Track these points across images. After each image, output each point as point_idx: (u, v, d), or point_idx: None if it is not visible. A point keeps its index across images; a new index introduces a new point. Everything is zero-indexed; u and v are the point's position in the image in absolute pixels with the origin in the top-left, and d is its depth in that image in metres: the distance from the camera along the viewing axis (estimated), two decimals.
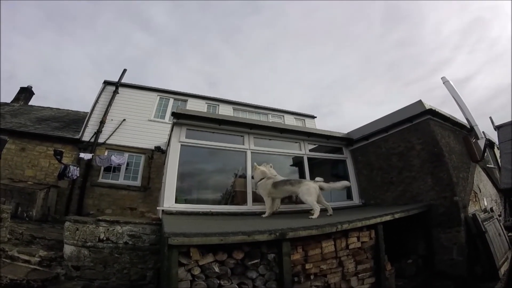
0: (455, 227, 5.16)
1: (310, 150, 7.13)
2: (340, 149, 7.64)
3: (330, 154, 7.59)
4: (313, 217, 4.64)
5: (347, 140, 7.53)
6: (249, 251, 3.22)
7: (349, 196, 7.14)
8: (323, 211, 5.10)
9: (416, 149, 6.06)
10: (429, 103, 6.05)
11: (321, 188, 5.22)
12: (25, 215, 7.89)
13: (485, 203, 6.59)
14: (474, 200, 5.97)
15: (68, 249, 4.84)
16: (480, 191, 6.53)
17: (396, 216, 4.72)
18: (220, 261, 3.09)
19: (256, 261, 3.24)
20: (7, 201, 7.87)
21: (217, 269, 3.04)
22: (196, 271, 2.96)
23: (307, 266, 3.56)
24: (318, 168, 7.25)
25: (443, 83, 7.20)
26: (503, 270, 5.17)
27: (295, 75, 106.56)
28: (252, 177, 5.58)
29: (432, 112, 5.98)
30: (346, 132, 7.69)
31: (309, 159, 6.91)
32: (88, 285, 4.62)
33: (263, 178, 5.30)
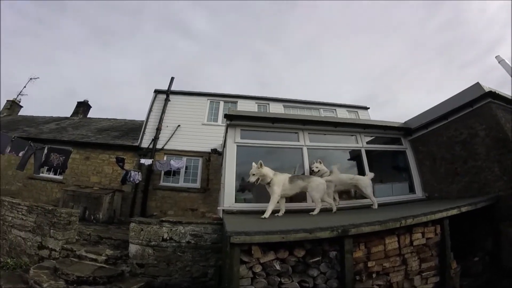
0: None
1: (367, 143, 6.84)
2: (399, 139, 7.21)
3: (389, 146, 7.19)
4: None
5: (405, 130, 7.10)
6: (310, 248, 3.17)
7: (412, 190, 6.73)
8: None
9: (480, 135, 5.57)
10: (488, 86, 5.54)
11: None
12: (92, 217, 8.52)
13: None
14: None
15: (133, 248, 5.14)
16: None
17: (463, 209, 4.38)
18: (281, 259, 3.08)
19: (317, 258, 3.19)
20: (75, 206, 8.55)
21: (278, 267, 3.03)
22: (257, 269, 2.97)
23: (369, 264, 3.42)
24: (377, 161, 6.92)
25: (498, 62, 6.63)
26: None
27: (343, 67, 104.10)
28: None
29: (493, 95, 5.45)
30: (403, 121, 7.25)
31: (366, 152, 6.63)
32: (151, 281, 4.88)
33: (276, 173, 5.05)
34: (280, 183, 4.83)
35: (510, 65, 6.50)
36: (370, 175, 5.84)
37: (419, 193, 6.65)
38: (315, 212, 4.73)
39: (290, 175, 5.05)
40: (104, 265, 5.22)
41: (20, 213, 6.29)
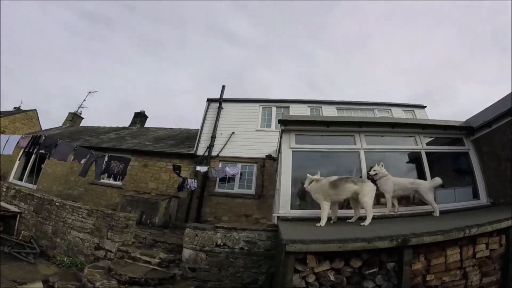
0: None
1: (426, 144, 6.45)
2: (460, 140, 6.69)
3: (450, 147, 6.71)
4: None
5: (466, 129, 6.55)
6: (367, 259, 3.09)
7: (475, 195, 6.18)
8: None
9: None
10: None
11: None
12: (148, 222, 8.96)
13: None
14: None
15: (186, 253, 5.36)
16: None
17: None
18: (336, 269, 3.03)
19: (374, 270, 3.09)
20: (132, 210, 9.06)
21: (332, 278, 2.99)
22: (311, 279, 2.96)
23: (428, 277, 3.23)
24: (437, 164, 6.48)
25: None
26: None
27: (393, 63, 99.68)
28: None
29: None
30: (464, 119, 6.70)
31: (426, 154, 6.26)
32: (201, 285, 5.05)
33: (312, 181, 4.91)
34: (318, 189, 4.72)
35: None
36: (436, 181, 5.39)
37: (483, 198, 6.09)
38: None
39: (332, 179, 4.76)
40: (157, 268, 5.49)
41: (80, 215, 6.80)
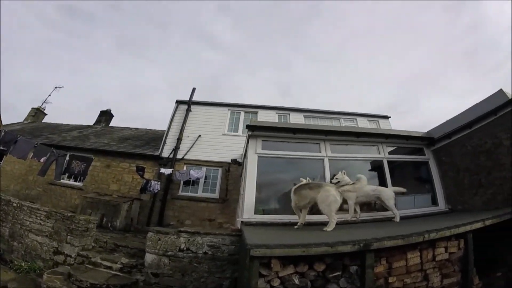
0: None
1: (389, 153, 6.75)
2: (421, 149, 7.06)
3: (411, 156, 7.06)
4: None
5: (427, 140, 6.94)
6: (330, 262, 3.11)
7: (434, 202, 6.54)
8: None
9: (505, 144, 5.33)
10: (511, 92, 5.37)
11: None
12: (109, 225, 8.63)
13: None
14: None
15: (149, 258, 5.16)
16: None
17: (487, 223, 4.21)
18: (300, 273, 3.03)
19: (337, 273, 3.12)
20: (93, 213, 8.70)
21: (297, 281, 2.98)
22: (276, 283, 2.93)
23: (390, 280, 3.32)
24: (399, 172, 6.76)
25: None
26: None
27: (367, 74, 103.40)
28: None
29: None
30: (426, 130, 7.10)
31: (388, 162, 6.54)
32: None
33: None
34: (291, 196, 4.88)
35: None
36: (398, 189, 5.66)
37: (442, 205, 6.45)
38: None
39: (296, 186, 4.91)
40: (118, 273, 5.30)
41: (38, 218, 6.42)
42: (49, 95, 18.33)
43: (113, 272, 5.32)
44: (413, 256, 3.52)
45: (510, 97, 5.27)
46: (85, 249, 6.00)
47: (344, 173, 5.37)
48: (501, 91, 5.44)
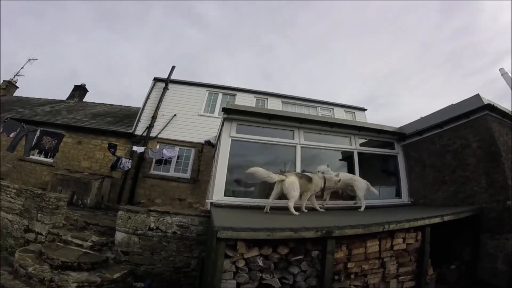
0: (504, 234, 4.76)
1: (360, 145, 6.93)
2: (392, 144, 7.32)
3: (381, 149, 7.29)
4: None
5: (399, 135, 7.20)
6: (294, 247, 3.23)
7: (398, 194, 6.87)
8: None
9: (472, 147, 5.67)
10: (487, 97, 5.62)
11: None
12: (80, 202, 8.51)
13: None
14: None
15: (119, 236, 5.19)
16: None
17: (446, 218, 4.49)
18: (264, 255, 3.13)
19: (299, 257, 3.26)
20: (63, 190, 8.53)
21: (261, 263, 3.09)
22: (241, 264, 3.03)
23: (349, 265, 3.51)
24: (367, 163, 7.03)
25: (502, 75, 6.70)
26: None
27: (350, 66, 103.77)
28: None
29: (490, 107, 5.54)
30: (399, 126, 7.34)
31: (358, 154, 6.74)
32: (135, 269, 4.96)
33: None
34: None
35: None
36: (371, 188, 5.88)
37: (404, 198, 6.79)
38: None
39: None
40: (89, 251, 5.25)
41: (8, 195, 6.24)
42: (22, 68, 17.16)
43: (83, 250, 5.27)
44: (372, 245, 3.71)
45: (485, 103, 5.51)
46: (55, 227, 5.91)
47: (327, 166, 5.58)
48: (477, 95, 5.67)
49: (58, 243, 5.49)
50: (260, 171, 4.75)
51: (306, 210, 5.04)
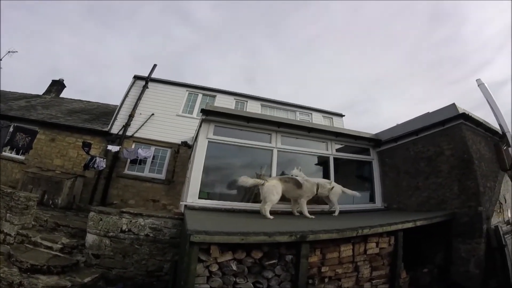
0: (476, 238, 4.95)
1: (336, 150, 7.01)
2: (367, 150, 7.44)
3: (357, 155, 7.40)
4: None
5: (375, 141, 7.32)
6: (267, 251, 3.22)
7: (372, 199, 6.99)
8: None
9: (446, 154, 5.85)
10: (463, 107, 5.80)
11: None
12: (50, 202, 8.21)
13: (509, 215, 6.22)
14: (498, 211, 5.69)
15: (90, 238, 5.03)
16: (506, 202, 6.21)
17: (418, 223, 4.61)
18: (238, 260, 3.11)
19: (273, 261, 3.24)
20: (34, 189, 8.21)
21: (234, 267, 3.06)
22: (214, 268, 2.99)
23: (323, 269, 3.54)
24: (343, 169, 7.11)
25: (478, 85, 6.84)
26: None
27: (335, 71, 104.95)
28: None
29: (465, 117, 5.72)
30: (375, 132, 7.47)
31: (334, 159, 6.80)
32: (106, 273, 4.81)
33: None
34: None
35: (488, 89, 6.76)
36: (350, 190, 5.95)
37: (378, 203, 6.92)
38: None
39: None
40: (59, 254, 5.08)
41: None
42: (0, 60, 16.58)
43: (53, 252, 5.09)
44: (346, 249, 3.75)
45: (460, 112, 5.66)
46: (25, 227, 5.66)
47: (299, 169, 5.59)
48: (453, 105, 5.83)
49: (27, 245, 5.27)
50: (250, 181, 4.77)
51: (312, 217, 5.01)
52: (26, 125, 9.83)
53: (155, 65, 11.97)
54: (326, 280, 3.58)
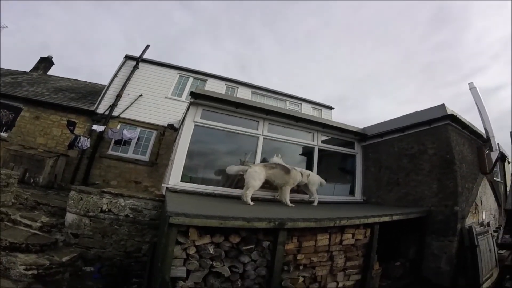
0: (449, 236, 5.12)
1: (322, 142, 7.05)
2: (352, 143, 7.54)
3: (341, 148, 7.45)
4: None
5: (360, 135, 7.42)
6: (245, 236, 3.26)
7: (352, 192, 7.12)
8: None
9: (429, 153, 5.99)
10: (451, 108, 5.91)
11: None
12: (31, 180, 8.11)
13: (484, 217, 6.46)
14: (473, 212, 5.87)
15: (70, 217, 5.02)
16: (482, 204, 6.41)
17: (395, 218, 4.74)
18: (216, 243, 3.14)
19: (250, 246, 3.29)
20: (15, 167, 8.08)
21: (211, 251, 3.09)
22: (192, 251, 3.01)
23: (298, 257, 3.61)
24: (327, 160, 7.17)
25: (470, 89, 6.98)
26: (485, 286, 5.19)
27: (330, 65, 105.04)
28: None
29: (453, 118, 5.84)
30: (362, 127, 7.55)
31: (319, 150, 6.86)
32: (84, 253, 4.81)
33: None
34: None
35: (479, 93, 6.89)
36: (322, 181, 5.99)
37: (358, 196, 7.07)
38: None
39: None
40: (38, 232, 5.02)
41: None
42: None
43: (32, 230, 5.03)
44: (322, 238, 3.83)
45: (449, 113, 5.78)
46: (4, 205, 5.56)
47: (279, 157, 5.64)
48: (443, 105, 5.94)
49: (6, 223, 5.18)
50: (234, 168, 4.90)
51: (292, 205, 5.08)
52: (10, 102, 9.60)
53: (147, 46, 11.75)
54: (301, 267, 3.66)
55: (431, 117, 6.05)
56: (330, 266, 3.94)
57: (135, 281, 4.69)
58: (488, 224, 6.47)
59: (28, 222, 5.19)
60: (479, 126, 6.79)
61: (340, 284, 4.07)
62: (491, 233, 6.22)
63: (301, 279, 3.66)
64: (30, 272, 3.99)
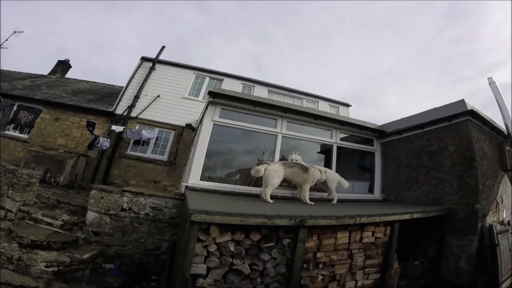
0: (469, 235, 4.99)
1: (340, 139, 6.98)
2: (371, 140, 7.42)
3: (360, 145, 7.34)
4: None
5: (379, 132, 7.30)
6: (266, 234, 3.26)
7: (371, 190, 7.02)
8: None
9: (449, 150, 5.85)
10: (471, 104, 5.74)
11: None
12: (52, 180, 8.30)
13: (504, 215, 6.27)
14: (494, 210, 5.71)
15: (90, 215, 5.11)
16: (502, 202, 6.25)
17: (415, 216, 4.64)
18: (236, 241, 3.15)
19: (271, 244, 3.29)
20: (37, 167, 8.29)
21: (232, 248, 3.10)
22: (212, 248, 3.03)
23: (318, 255, 3.58)
24: (345, 158, 7.10)
25: (489, 84, 6.79)
26: (504, 286, 5.07)
27: (346, 62, 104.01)
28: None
29: (473, 114, 5.68)
30: (380, 124, 7.43)
31: (337, 148, 6.81)
32: (105, 250, 4.90)
33: None
34: None
35: (499, 88, 6.71)
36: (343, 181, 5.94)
37: (377, 194, 6.96)
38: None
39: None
40: (59, 230, 5.12)
41: None
42: (6, 40, 16.26)
43: (53, 229, 5.14)
44: (342, 236, 3.79)
45: (468, 108, 5.62)
46: (26, 204, 5.70)
47: (299, 154, 5.64)
48: (462, 101, 5.77)
49: (28, 221, 5.32)
50: (261, 169, 4.85)
51: (312, 203, 5.04)
52: (30, 104, 9.87)
53: (163, 47, 11.87)
54: (321, 265, 3.63)
55: (450, 113, 5.90)
56: (350, 265, 3.90)
57: (154, 278, 4.77)
58: (508, 222, 6.30)
59: (50, 220, 5.31)
60: (499, 122, 6.57)
61: (359, 283, 4.02)
62: (511, 232, 6.07)
63: (320, 277, 3.64)
64: (50, 269, 4.08)
